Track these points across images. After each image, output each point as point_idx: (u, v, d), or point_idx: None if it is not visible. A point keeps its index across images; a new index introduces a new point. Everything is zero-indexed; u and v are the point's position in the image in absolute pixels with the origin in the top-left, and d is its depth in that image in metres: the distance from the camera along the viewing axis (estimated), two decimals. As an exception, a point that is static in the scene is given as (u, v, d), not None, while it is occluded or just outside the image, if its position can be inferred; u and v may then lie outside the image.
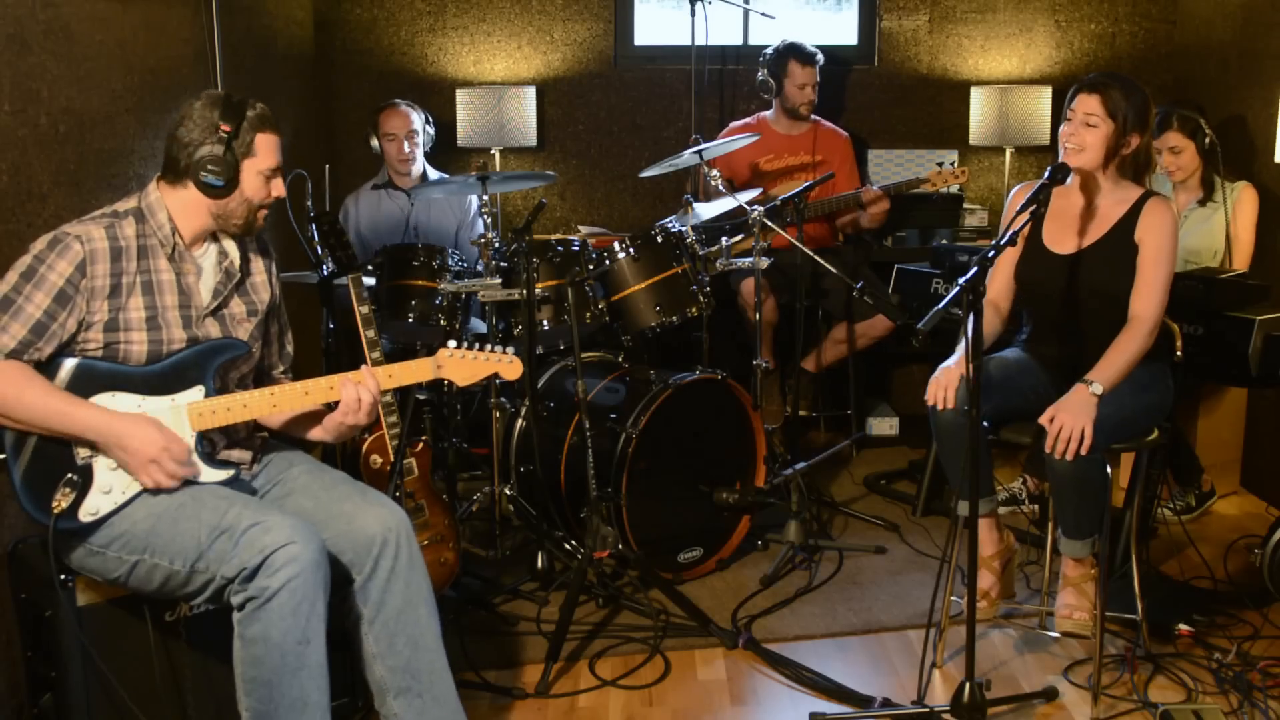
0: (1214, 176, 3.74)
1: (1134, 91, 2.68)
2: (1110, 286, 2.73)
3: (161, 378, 2.22)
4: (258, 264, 2.44)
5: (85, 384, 2.16)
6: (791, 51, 4.32)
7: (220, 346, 2.29)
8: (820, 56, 4.35)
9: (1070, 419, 2.51)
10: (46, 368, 2.15)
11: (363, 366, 2.34)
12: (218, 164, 2.22)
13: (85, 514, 2.14)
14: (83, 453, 2.15)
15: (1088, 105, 2.68)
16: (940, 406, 2.66)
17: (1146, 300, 2.67)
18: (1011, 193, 2.89)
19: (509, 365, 2.42)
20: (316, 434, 2.45)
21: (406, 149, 4.22)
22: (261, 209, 2.32)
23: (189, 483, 2.21)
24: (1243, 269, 3.71)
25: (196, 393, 2.24)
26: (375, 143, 4.28)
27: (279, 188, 2.33)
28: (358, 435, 2.88)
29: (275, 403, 2.28)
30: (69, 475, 2.13)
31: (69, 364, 2.16)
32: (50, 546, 2.12)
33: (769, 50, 4.38)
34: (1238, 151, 3.97)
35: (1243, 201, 3.74)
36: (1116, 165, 2.75)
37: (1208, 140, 3.68)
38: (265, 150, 2.28)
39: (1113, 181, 2.77)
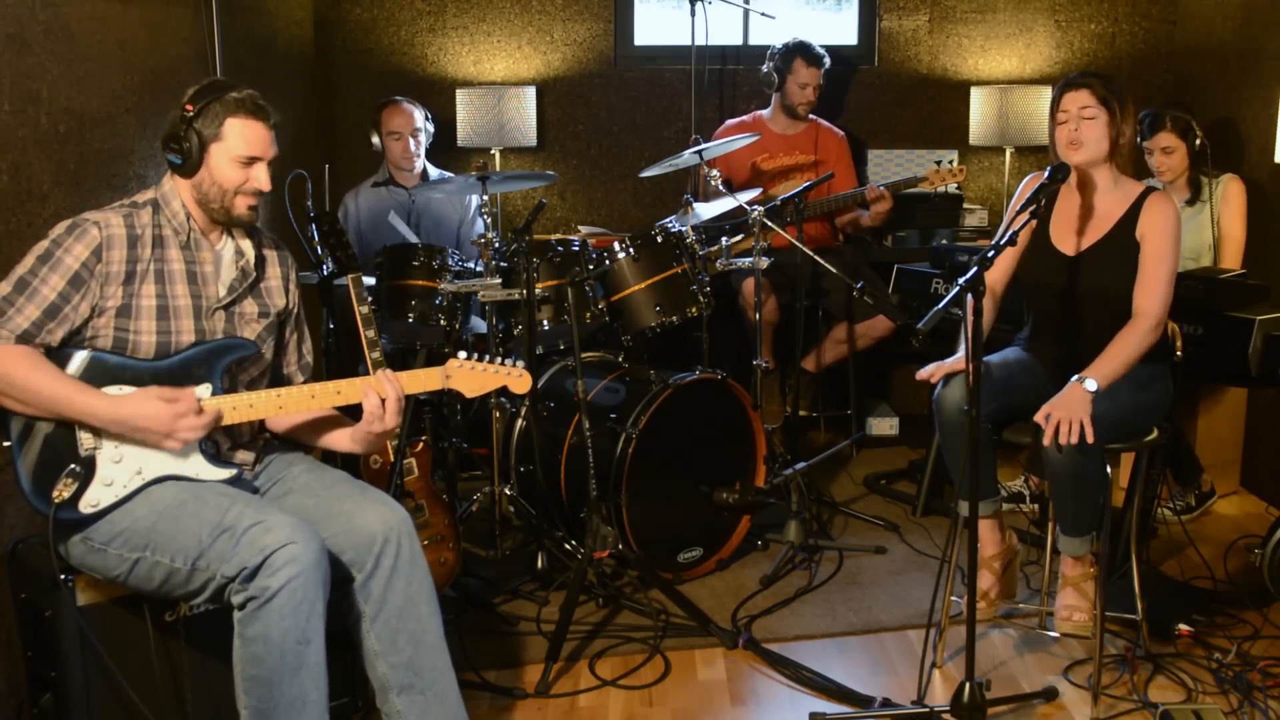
0: (1200, 176, 3.75)
1: (1112, 82, 2.73)
2: (1111, 286, 2.73)
3: (169, 373, 2.22)
4: (274, 270, 2.45)
5: (94, 377, 2.17)
6: (800, 50, 4.33)
7: (229, 346, 2.29)
8: (827, 60, 4.36)
9: (1064, 412, 2.51)
10: (57, 357, 2.16)
11: (379, 371, 2.33)
12: (176, 141, 2.23)
13: (86, 505, 2.14)
14: (86, 444, 2.15)
15: (1080, 100, 2.70)
16: (928, 379, 2.68)
17: (1150, 296, 2.67)
18: (1023, 183, 2.90)
19: (518, 379, 2.41)
20: (345, 445, 2.43)
21: (412, 146, 4.23)
22: (238, 195, 2.28)
23: (190, 481, 2.22)
24: (1235, 262, 3.71)
25: (204, 390, 2.23)
26: (376, 140, 4.28)
27: (260, 179, 2.28)
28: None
29: (281, 404, 2.27)
30: (71, 466, 2.14)
31: (80, 356, 2.17)
32: (50, 536, 2.12)
33: (778, 45, 4.38)
34: (1237, 151, 3.98)
35: (1230, 194, 3.74)
36: (1115, 160, 2.76)
37: (1198, 141, 3.68)
38: (237, 135, 2.24)
39: (1112, 178, 2.78)
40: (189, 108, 2.23)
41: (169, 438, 2.15)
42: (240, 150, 2.25)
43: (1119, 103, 2.70)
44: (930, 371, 2.73)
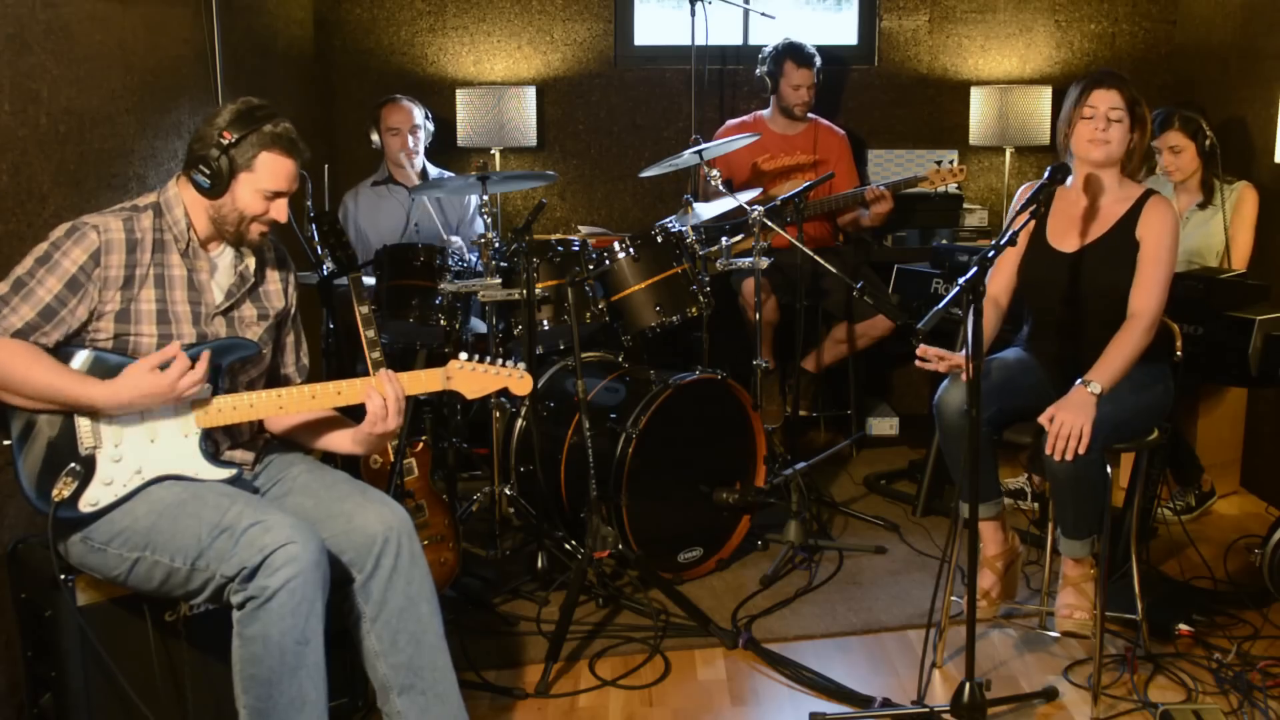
0: (1213, 180, 3.74)
1: (1134, 87, 2.73)
2: (1111, 284, 2.73)
3: None
4: (273, 273, 2.44)
5: (97, 376, 2.16)
6: (789, 52, 4.33)
7: (230, 345, 2.29)
8: (818, 59, 4.36)
9: (1069, 417, 2.51)
10: (59, 356, 2.16)
11: (380, 371, 2.33)
12: (207, 166, 2.22)
13: (85, 504, 2.14)
14: (86, 443, 2.15)
15: (1111, 100, 2.69)
16: (931, 367, 2.64)
17: (1145, 296, 2.68)
18: (1020, 190, 2.90)
19: (519, 380, 2.40)
20: (346, 447, 2.43)
21: (411, 143, 4.24)
22: (254, 223, 2.29)
23: (190, 480, 2.22)
24: (1241, 269, 3.71)
25: (204, 390, 2.23)
26: (376, 137, 4.29)
27: (279, 211, 2.29)
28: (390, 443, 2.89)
29: (282, 404, 2.27)
30: (71, 465, 2.14)
31: (82, 355, 2.17)
32: (50, 535, 2.12)
33: (768, 49, 4.39)
34: (1238, 152, 3.97)
35: (1243, 201, 3.74)
36: (1124, 165, 2.76)
37: (1208, 142, 3.68)
38: (268, 170, 2.24)
39: (1116, 180, 2.78)
40: (227, 135, 2.21)
41: (176, 402, 2.16)
42: (268, 185, 2.25)
43: (1140, 109, 2.71)
44: (931, 355, 2.63)
